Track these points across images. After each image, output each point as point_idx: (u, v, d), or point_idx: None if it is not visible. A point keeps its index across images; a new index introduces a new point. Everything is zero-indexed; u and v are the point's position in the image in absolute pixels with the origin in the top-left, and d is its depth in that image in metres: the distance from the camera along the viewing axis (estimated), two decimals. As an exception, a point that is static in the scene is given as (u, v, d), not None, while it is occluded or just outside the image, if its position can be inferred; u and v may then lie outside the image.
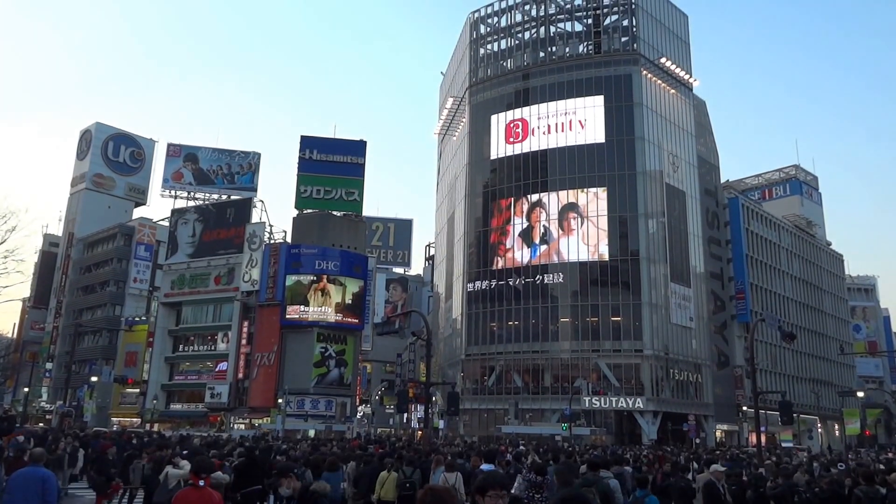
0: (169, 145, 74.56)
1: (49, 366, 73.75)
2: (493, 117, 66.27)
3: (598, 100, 61.20)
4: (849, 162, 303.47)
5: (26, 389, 58.67)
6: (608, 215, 58.93)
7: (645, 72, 61.94)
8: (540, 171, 61.95)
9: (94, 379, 60.34)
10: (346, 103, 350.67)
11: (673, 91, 65.44)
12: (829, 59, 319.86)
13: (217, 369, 58.46)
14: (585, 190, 59.74)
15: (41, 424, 56.55)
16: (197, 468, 6.35)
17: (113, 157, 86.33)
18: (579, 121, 61.29)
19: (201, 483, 6.22)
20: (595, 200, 59.50)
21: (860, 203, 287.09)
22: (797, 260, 79.75)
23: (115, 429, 48.57)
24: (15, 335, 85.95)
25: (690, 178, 64.78)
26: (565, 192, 60.30)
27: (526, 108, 64.27)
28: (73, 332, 57.74)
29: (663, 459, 19.98)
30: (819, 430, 75.38)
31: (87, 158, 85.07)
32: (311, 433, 44.89)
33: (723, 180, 76.83)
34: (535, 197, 61.65)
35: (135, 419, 60.40)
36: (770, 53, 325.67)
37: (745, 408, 62.31)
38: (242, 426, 51.94)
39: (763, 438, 34.16)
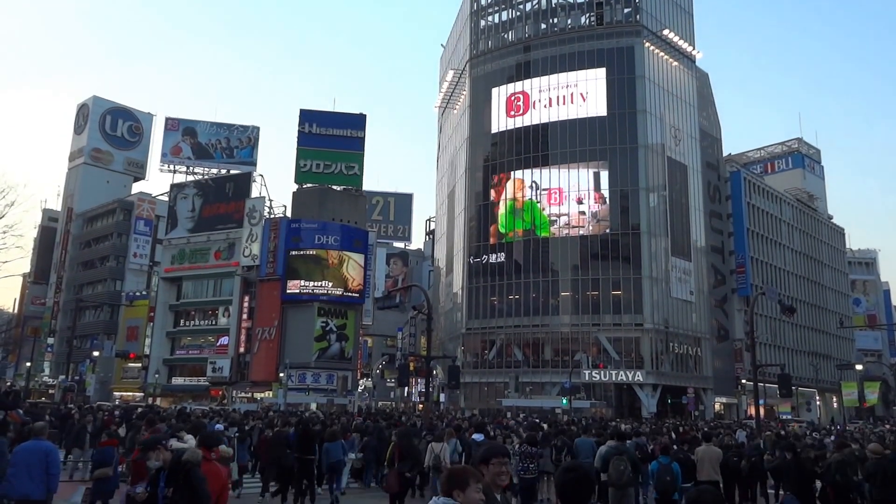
0: (167, 119, 73.99)
1: (51, 341, 74.13)
2: (494, 90, 65.75)
3: (600, 72, 60.68)
4: (852, 135, 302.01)
5: (28, 364, 59.04)
6: (609, 189, 58.78)
7: (647, 44, 61.31)
8: (541, 144, 61.63)
9: (95, 354, 60.76)
10: (346, 77, 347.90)
11: (675, 63, 64.85)
12: (833, 31, 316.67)
13: (218, 344, 58.88)
14: (587, 163, 59.50)
15: (44, 399, 57.05)
16: (204, 442, 6.44)
17: (111, 132, 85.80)
18: (581, 94, 60.82)
19: (212, 456, 6.32)
20: (596, 174, 59.28)
21: (863, 176, 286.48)
22: (798, 234, 79.75)
23: (116, 403, 49.02)
24: (16, 310, 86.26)
25: (692, 151, 64.49)
26: (566, 165, 60.04)
27: (527, 81, 63.75)
28: (73, 308, 58.00)
29: (685, 434, 20.26)
30: (817, 402, 76.03)
31: (85, 133, 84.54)
32: (313, 406, 45.28)
33: (725, 154, 76.55)
34: (536, 170, 61.40)
35: (137, 393, 60.94)
36: (774, 25, 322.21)
37: (744, 381, 62.78)
38: (245, 400, 52.42)
39: (762, 411, 34.52)
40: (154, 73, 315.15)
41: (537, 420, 28.83)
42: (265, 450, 14.53)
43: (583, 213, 59.27)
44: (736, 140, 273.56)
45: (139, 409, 21.97)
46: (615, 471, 10.30)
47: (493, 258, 62.15)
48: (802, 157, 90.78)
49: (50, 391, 68.10)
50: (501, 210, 62.88)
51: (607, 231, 58.22)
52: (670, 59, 64.23)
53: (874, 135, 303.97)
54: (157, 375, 58.87)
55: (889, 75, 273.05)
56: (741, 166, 77.00)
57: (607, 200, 58.87)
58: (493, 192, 63.78)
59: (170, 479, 5.73)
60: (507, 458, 4.31)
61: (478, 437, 14.63)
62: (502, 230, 62.39)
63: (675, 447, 13.91)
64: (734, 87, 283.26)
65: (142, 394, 59.20)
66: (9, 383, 48.38)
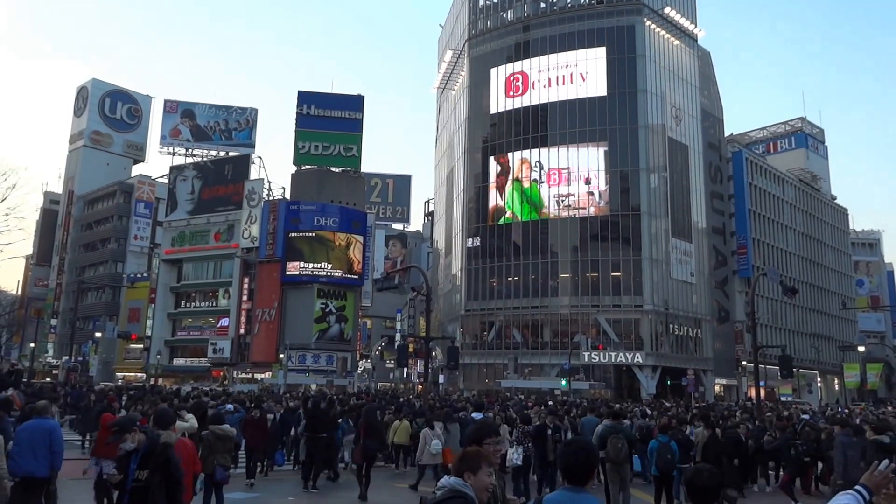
0: (166, 101, 73.96)
1: (54, 322, 74.76)
2: (493, 70, 65.36)
3: (600, 52, 60.21)
4: (857, 114, 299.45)
5: (32, 345, 59.57)
6: (609, 170, 58.58)
7: (648, 22, 60.75)
8: (540, 125, 61.36)
9: (98, 335, 61.23)
10: (344, 58, 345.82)
11: (677, 42, 64.28)
12: (837, 9, 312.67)
13: (219, 325, 59.29)
14: (586, 144, 59.23)
15: (48, 379, 57.66)
16: (159, 421, 6.49)
17: (110, 114, 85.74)
18: (580, 73, 60.42)
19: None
20: (596, 155, 59.05)
21: (867, 156, 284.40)
22: (801, 214, 79.40)
23: (119, 383, 49.48)
24: (19, 292, 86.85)
25: (693, 131, 64.11)
26: (566, 146, 59.79)
27: (526, 61, 63.33)
28: (76, 289, 58.49)
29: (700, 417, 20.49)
30: (819, 384, 76.10)
31: (85, 115, 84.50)
32: (314, 387, 45.62)
33: (727, 134, 76.06)
34: (535, 151, 61.19)
35: (139, 374, 61.49)
36: (777, 3, 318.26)
37: (744, 362, 62.83)
38: (245, 381, 52.83)
39: (762, 393, 34.60)
40: (152, 56, 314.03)
41: (528, 405, 29.08)
42: (251, 431, 14.34)
43: (583, 194, 59.10)
44: (738, 120, 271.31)
45: (131, 392, 22.12)
46: (612, 448, 10.79)
47: (491, 240, 62.13)
48: (806, 137, 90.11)
49: (54, 371, 68.83)
50: (500, 191, 62.76)
51: (607, 212, 58.09)
52: (671, 38, 63.66)
53: (880, 114, 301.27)
54: (158, 356, 59.39)
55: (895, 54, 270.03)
56: (743, 146, 76.50)
57: (607, 181, 58.66)
58: (491, 174, 63.62)
59: (143, 462, 5.68)
60: (499, 436, 4.41)
61: (477, 415, 15.20)
62: (501, 212, 62.33)
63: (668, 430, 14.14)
64: (737, 66, 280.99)
65: (144, 374, 59.73)
66: (13, 363, 48.72)
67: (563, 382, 47.02)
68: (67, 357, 54.66)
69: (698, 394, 53.51)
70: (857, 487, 3.09)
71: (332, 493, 13.20)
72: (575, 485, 3.36)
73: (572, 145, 59.52)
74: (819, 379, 76.12)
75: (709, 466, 4.12)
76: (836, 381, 77.25)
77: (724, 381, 64.30)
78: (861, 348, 65.06)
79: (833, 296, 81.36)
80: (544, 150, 60.72)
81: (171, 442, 6.14)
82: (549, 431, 12.83)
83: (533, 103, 62.13)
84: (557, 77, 61.29)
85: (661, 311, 56.18)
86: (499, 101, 64.51)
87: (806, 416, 20.29)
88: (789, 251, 75.14)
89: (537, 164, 61.02)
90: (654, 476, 11.50)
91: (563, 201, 59.58)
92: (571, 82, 60.60)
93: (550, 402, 25.75)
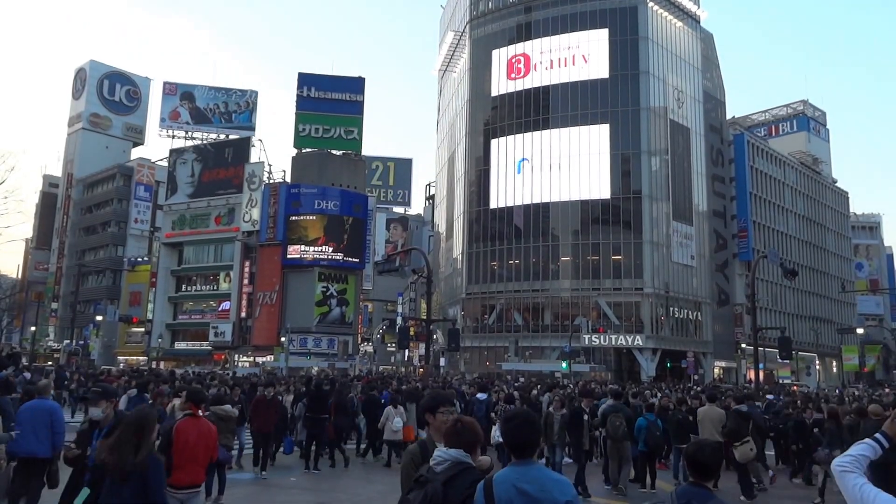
0: (165, 83, 73.36)
1: (55, 305, 74.82)
2: (495, 52, 64.89)
3: (603, 33, 59.75)
4: (859, 97, 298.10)
5: (33, 328, 59.67)
6: (610, 153, 58.33)
7: (651, 3, 60.24)
8: (542, 107, 61.04)
9: (99, 318, 61.35)
10: (344, 39, 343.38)
11: (680, 24, 63.78)
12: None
13: (220, 308, 59.41)
14: (588, 127, 58.97)
15: (49, 363, 57.79)
16: (193, 398, 6.43)
17: (108, 96, 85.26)
18: (582, 55, 59.99)
19: (199, 413, 6.32)
20: (597, 137, 58.79)
21: (869, 139, 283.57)
22: (801, 198, 79.28)
23: (121, 367, 49.62)
24: (20, 275, 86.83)
25: (695, 114, 63.81)
26: (567, 128, 59.50)
27: (528, 43, 62.87)
28: (76, 273, 58.43)
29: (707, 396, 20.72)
30: (817, 366, 76.44)
31: (83, 97, 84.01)
32: (314, 370, 45.79)
33: (729, 116, 75.72)
34: (536, 134, 60.92)
35: (141, 357, 61.66)
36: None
37: (743, 345, 63.08)
38: (247, 364, 53.01)
39: (761, 375, 34.78)
40: (151, 38, 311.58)
41: (515, 393, 29.52)
42: (262, 413, 12.74)
43: (584, 176, 58.92)
44: (741, 103, 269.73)
45: (123, 377, 22.08)
46: (612, 426, 11.39)
47: (493, 223, 62.09)
48: (808, 120, 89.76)
49: (55, 355, 68.95)
50: (502, 174, 62.61)
51: (608, 195, 57.98)
52: (674, 20, 63.16)
53: (882, 97, 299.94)
54: (160, 340, 59.54)
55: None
56: (745, 129, 76.19)
57: (609, 164, 58.49)
58: (493, 156, 63.44)
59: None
60: (452, 406, 4.43)
61: (481, 396, 15.72)
62: (502, 194, 62.21)
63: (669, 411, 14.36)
64: (740, 48, 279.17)
65: (145, 358, 59.91)
66: (13, 346, 48.89)
67: (564, 365, 47.14)
68: (68, 341, 54.74)
69: (698, 376, 53.74)
70: (875, 435, 3.06)
71: (334, 474, 13.26)
72: (522, 458, 3.31)
73: (574, 127, 59.27)
74: (818, 361, 76.43)
75: (712, 442, 4.17)
76: (835, 364, 77.56)
77: (723, 364, 64.59)
78: (860, 331, 65.29)
79: (833, 279, 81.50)
80: (546, 132, 60.46)
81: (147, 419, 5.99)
82: (586, 417, 12.00)
83: (535, 85, 61.72)
84: (559, 59, 60.86)
85: (662, 294, 56.26)
86: (500, 84, 64.12)
87: (770, 397, 20.61)
88: (790, 234, 75.13)
89: (538, 146, 60.76)
90: (641, 452, 12.02)
91: (563, 184, 59.39)
92: (573, 64, 60.19)
93: (568, 386, 25.57)
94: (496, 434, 12.54)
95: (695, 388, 29.46)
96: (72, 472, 5.61)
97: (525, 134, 61.46)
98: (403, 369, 56.31)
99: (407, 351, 55.43)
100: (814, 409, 14.37)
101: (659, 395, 21.09)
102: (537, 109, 61.19)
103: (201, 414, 6.34)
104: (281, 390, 18.29)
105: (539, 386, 22.23)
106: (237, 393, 14.54)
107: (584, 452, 11.82)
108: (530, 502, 3.13)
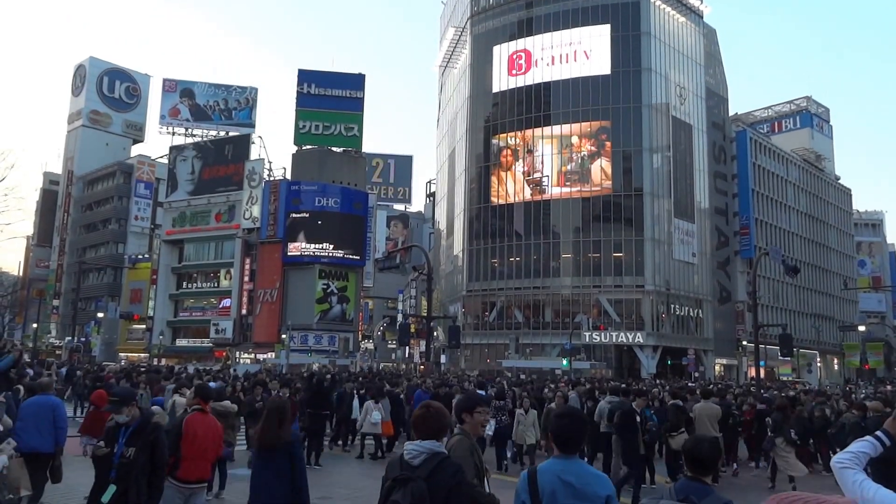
0: (164, 80, 73.53)
1: (56, 303, 75.11)
2: (496, 48, 64.96)
3: (604, 29, 59.79)
4: (863, 94, 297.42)
5: (35, 326, 59.96)
6: (612, 149, 58.43)
7: (654, -1, 60.23)
8: (543, 104, 61.08)
9: (100, 315, 61.65)
10: (344, 36, 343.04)
11: (682, 19, 63.79)
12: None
13: (221, 305, 59.68)
14: (589, 123, 59.05)
15: (51, 359, 57.96)
16: (201, 394, 6.55)
17: (108, 93, 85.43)
18: (584, 51, 60.04)
19: (208, 409, 6.44)
20: (599, 134, 58.90)
21: (872, 136, 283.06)
22: (804, 195, 79.29)
23: (122, 363, 49.88)
24: (21, 273, 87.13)
25: (698, 110, 63.82)
26: (568, 125, 59.58)
27: (529, 39, 62.94)
28: (77, 270, 58.72)
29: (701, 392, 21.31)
30: (818, 364, 76.56)
31: (83, 94, 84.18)
32: (315, 367, 46.00)
33: (731, 113, 75.70)
34: (537, 131, 60.99)
35: (142, 354, 61.95)
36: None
37: (744, 342, 63.18)
38: (248, 361, 53.27)
39: (762, 372, 34.94)
40: (150, 35, 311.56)
41: (504, 384, 30.07)
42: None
43: (585, 174, 59.04)
44: (743, 99, 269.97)
45: (116, 369, 22.11)
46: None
47: (493, 220, 62.22)
48: (811, 116, 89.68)
49: (57, 352, 69.20)
50: (502, 171, 62.73)
51: (610, 193, 58.08)
52: (677, 15, 63.16)
53: (886, 94, 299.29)
54: (161, 337, 59.83)
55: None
56: (747, 126, 76.15)
57: (610, 161, 58.58)
58: (493, 154, 63.54)
59: (132, 439, 5.54)
60: (488, 406, 4.63)
61: (479, 393, 16.12)
62: (503, 192, 62.33)
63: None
64: (743, 44, 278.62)
65: (147, 355, 60.20)
66: (14, 343, 49.05)
67: (565, 362, 47.41)
68: (70, 337, 55.04)
69: (698, 373, 54.00)
70: (877, 433, 3.14)
71: (334, 470, 13.46)
72: (567, 453, 3.48)
73: (575, 124, 59.35)
74: (819, 359, 76.47)
75: (710, 437, 4.19)
76: (836, 361, 77.68)
77: (724, 361, 64.73)
78: (861, 328, 65.33)
79: (835, 276, 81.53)
80: (547, 129, 60.53)
81: (163, 423, 6.13)
82: (639, 419, 11.39)
83: (536, 82, 61.77)
84: (561, 55, 60.91)
85: (663, 292, 56.41)
86: (501, 80, 64.17)
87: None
88: (792, 231, 75.18)
89: (539, 144, 60.87)
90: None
91: (565, 181, 59.53)
92: (575, 60, 60.24)
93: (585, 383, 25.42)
94: (487, 429, 12.96)
95: (690, 384, 29.84)
96: (98, 470, 5.78)
97: (526, 130, 61.55)
98: (404, 366, 56.59)
99: (408, 348, 55.79)
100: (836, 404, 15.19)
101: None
102: (538, 106, 61.24)
103: (208, 409, 6.46)
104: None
105: (555, 384, 22.30)
106: (285, 393, 14.88)
107: (640, 458, 11.11)
108: (573, 493, 3.30)
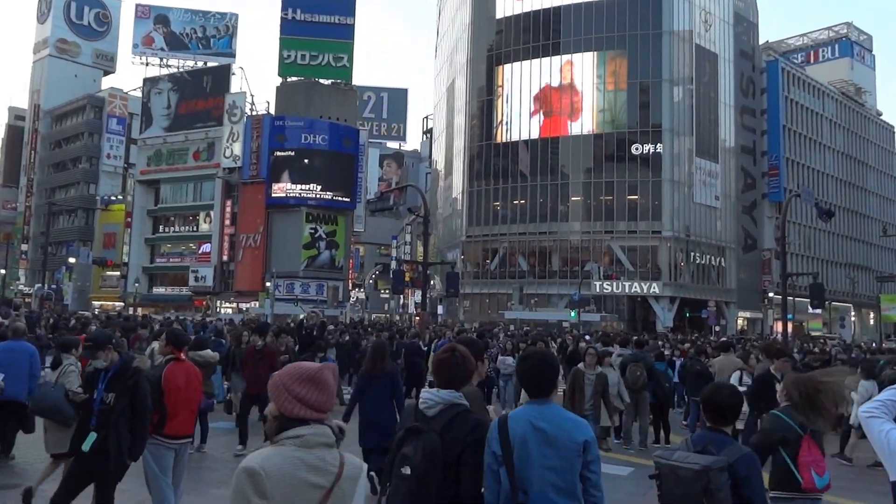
0: (137, 6, 71.93)
1: (24, 247, 75.52)
2: (500, -32, 63.40)
3: (621, -55, 58.06)
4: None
5: (3, 272, 60.34)
6: (628, 81, 57.51)
7: (677, -90, 58.28)
8: (552, 31, 60.13)
9: (71, 261, 61.90)
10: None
11: (709, -66, 61.80)
12: None
13: (200, 251, 59.99)
14: (603, 52, 57.92)
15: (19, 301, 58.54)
16: (173, 340, 6.49)
17: (76, 20, 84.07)
18: (598, -29, 58.46)
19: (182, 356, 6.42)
20: (614, 65, 57.88)
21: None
22: (841, 132, 78.09)
23: (96, 312, 50.23)
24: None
25: (724, 37, 62.50)
26: (580, 54, 58.72)
27: (537, -43, 61.30)
28: (46, 212, 58.60)
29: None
30: (852, 318, 76.55)
31: (49, 21, 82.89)
32: (301, 316, 46.17)
33: (762, 41, 74.21)
34: (545, 61, 60.04)
35: (117, 303, 62.43)
36: None
37: (770, 294, 63.10)
38: (229, 310, 53.57)
39: (790, 327, 34.68)
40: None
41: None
42: (254, 369, 10.18)
43: (598, 108, 58.14)
44: (776, 26, 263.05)
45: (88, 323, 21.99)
46: (631, 375, 11.60)
47: (496, 159, 61.70)
48: (851, 45, 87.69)
49: (27, 300, 69.80)
50: (506, 105, 61.90)
51: (624, 129, 57.25)
52: (703, -71, 61.17)
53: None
54: (136, 284, 60.15)
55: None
56: (779, 55, 74.63)
57: (626, 95, 57.59)
58: (497, 85, 62.65)
59: (112, 384, 5.56)
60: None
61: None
62: (507, 128, 61.65)
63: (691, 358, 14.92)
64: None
65: (122, 303, 60.61)
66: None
67: (573, 314, 47.43)
68: (40, 284, 55.32)
69: (719, 327, 53.99)
70: None
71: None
72: (537, 397, 3.44)
73: (587, 53, 58.22)
74: (853, 312, 76.53)
75: (730, 385, 4.31)
76: (872, 315, 77.60)
77: (747, 314, 64.79)
78: (902, 278, 65.06)
79: (873, 222, 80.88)
80: (556, 59, 59.58)
81: (144, 367, 6.15)
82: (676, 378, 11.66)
83: (544, 6, 60.67)
84: (571, -25, 59.40)
85: (682, 238, 56.13)
86: (506, 4, 63.06)
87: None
88: (826, 173, 74.28)
89: (547, 75, 59.95)
90: (650, 404, 12.01)
91: (575, 116, 58.69)
92: (588, -19, 58.76)
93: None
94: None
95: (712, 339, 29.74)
96: (79, 418, 5.91)
97: (533, 60, 60.37)
98: (398, 317, 56.83)
99: (402, 297, 55.93)
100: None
101: (669, 346, 21.24)
102: (547, 34, 60.24)
103: (183, 357, 6.44)
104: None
105: (580, 338, 21.92)
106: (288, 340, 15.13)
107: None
108: (544, 440, 3.27)
